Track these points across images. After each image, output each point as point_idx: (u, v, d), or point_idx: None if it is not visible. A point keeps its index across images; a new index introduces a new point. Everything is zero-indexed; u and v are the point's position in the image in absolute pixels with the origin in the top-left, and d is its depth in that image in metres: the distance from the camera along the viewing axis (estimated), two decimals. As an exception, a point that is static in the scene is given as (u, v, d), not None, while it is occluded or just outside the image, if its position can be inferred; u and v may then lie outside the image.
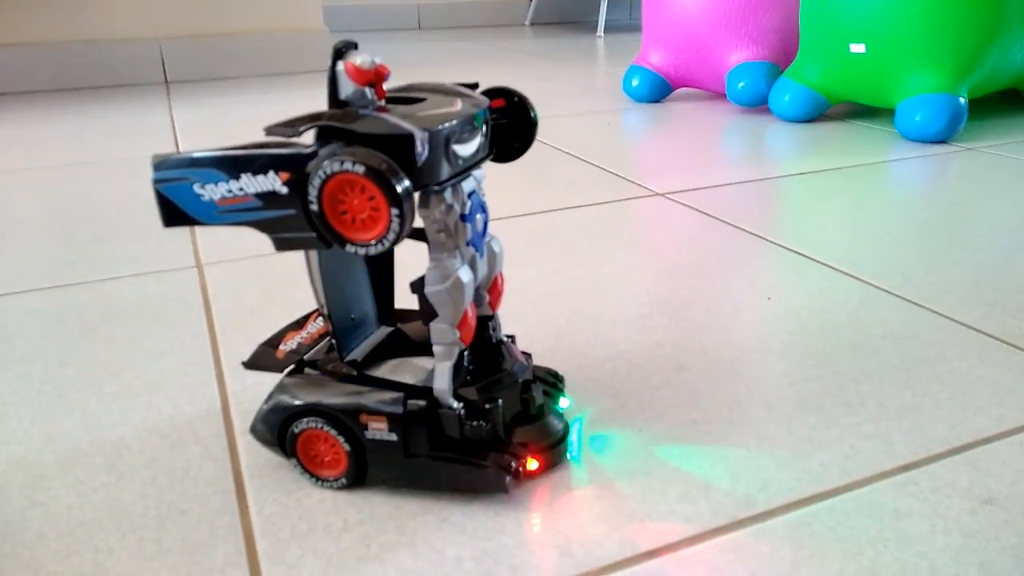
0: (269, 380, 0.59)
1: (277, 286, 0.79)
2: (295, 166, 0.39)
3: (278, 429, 0.48)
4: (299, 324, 0.54)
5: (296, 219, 0.40)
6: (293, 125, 0.40)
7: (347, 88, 0.42)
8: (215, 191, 0.41)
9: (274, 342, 0.52)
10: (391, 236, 0.38)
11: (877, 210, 0.97)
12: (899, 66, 1.29)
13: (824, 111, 1.44)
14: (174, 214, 0.43)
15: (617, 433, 0.52)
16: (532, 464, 0.47)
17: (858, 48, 1.31)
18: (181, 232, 0.95)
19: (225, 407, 0.58)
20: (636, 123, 1.52)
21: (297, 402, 0.47)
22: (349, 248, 0.39)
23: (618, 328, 0.67)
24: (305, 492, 0.48)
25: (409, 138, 0.39)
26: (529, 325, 0.69)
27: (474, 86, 0.47)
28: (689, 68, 1.60)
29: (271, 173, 0.40)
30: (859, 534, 0.43)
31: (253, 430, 0.49)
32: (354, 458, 0.46)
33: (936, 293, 0.72)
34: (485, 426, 0.46)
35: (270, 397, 0.48)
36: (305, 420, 0.46)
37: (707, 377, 0.59)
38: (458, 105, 0.44)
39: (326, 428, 0.46)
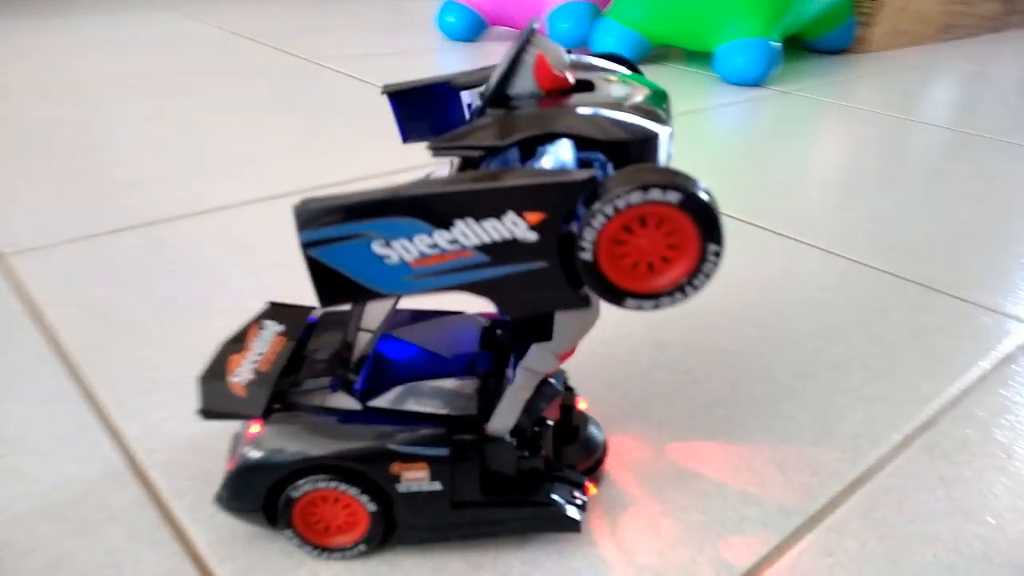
0: (186, 416, 0.46)
1: (121, 276, 0.62)
2: (556, 201, 0.27)
3: (265, 495, 0.36)
4: (239, 342, 0.40)
5: (543, 274, 0.29)
6: (483, 137, 0.30)
7: (524, 84, 0.32)
8: (409, 249, 0.28)
9: (217, 373, 0.38)
10: (699, 281, 0.28)
11: (735, 155, 0.98)
12: (718, 10, 1.32)
13: (647, 53, 1.45)
14: (338, 287, 0.29)
15: (633, 432, 0.46)
16: (592, 490, 0.40)
17: (680, -9, 1.32)
18: (-48, 216, 0.73)
19: (133, 462, 0.43)
20: (459, 64, 1.43)
21: (293, 457, 0.35)
22: (629, 304, 0.29)
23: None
24: (308, 569, 0.37)
25: (653, 139, 0.29)
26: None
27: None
28: (506, 6, 1.53)
29: (511, 214, 0.28)
30: (923, 507, 0.41)
31: (221, 500, 0.37)
32: (379, 517, 0.36)
33: (839, 238, 0.74)
34: (541, 456, 0.37)
35: (241, 453, 0.36)
36: (309, 480, 0.35)
37: (690, 353, 0.55)
38: (634, 86, 0.34)
39: (341, 487, 0.35)
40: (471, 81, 0.39)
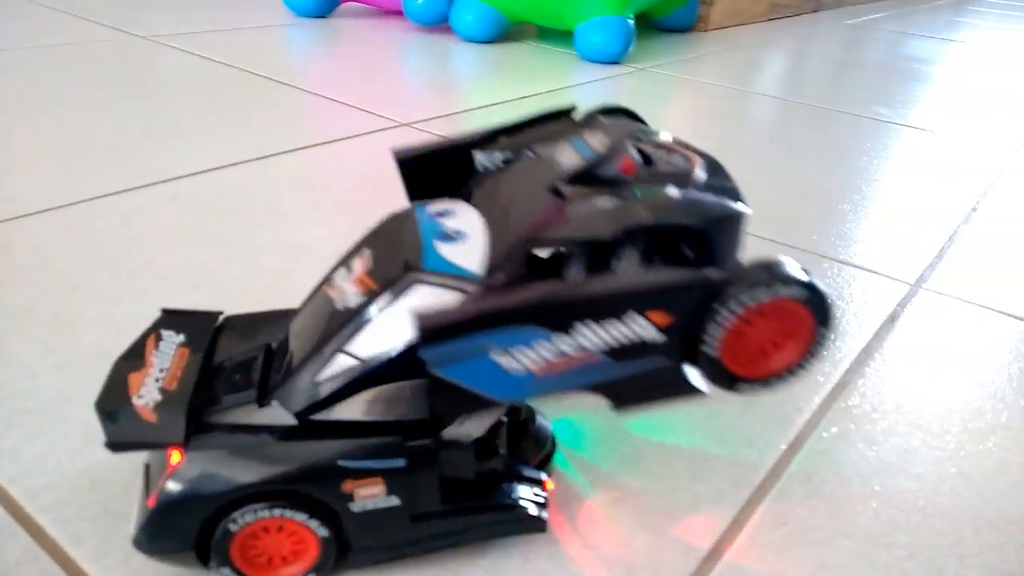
0: (68, 449, 0.40)
1: (-30, 296, 0.53)
2: (685, 302, 0.28)
3: (196, 531, 0.31)
4: (136, 358, 0.35)
5: (663, 371, 0.30)
6: (586, 228, 0.29)
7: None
8: (530, 356, 0.28)
9: (117, 396, 0.33)
10: (808, 363, 0.31)
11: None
12: (575, -12, 1.33)
13: (504, 31, 1.43)
14: (460, 401, 0.29)
15: (573, 415, 0.45)
16: (550, 485, 0.38)
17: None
18: None
19: (15, 509, 0.37)
20: (308, 40, 1.36)
21: (228, 485, 0.31)
22: (742, 388, 0.31)
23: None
24: (251, 608, 0.33)
25: (739, 217, 0.30)
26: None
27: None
28: (358, -19, 1.46)
29: (636, 315, 0.28)
30: (855, 468, 0.43)
31: (141, 543, 0.32)
32: (331, 542, 0.33)
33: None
34: (500, 455, 0.35)
35: (164, 487, 0.31)
36: (248, 509, 0.31)
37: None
38: (691, 156, 0.34)
39: (287, 513, 0.31)
40: (484, 141, 0.38)
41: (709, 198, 0.31)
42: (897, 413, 0.47)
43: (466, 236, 0.33)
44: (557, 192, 0.31)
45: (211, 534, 0.31)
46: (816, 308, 0.30)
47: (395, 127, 0.93)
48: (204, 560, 0.32)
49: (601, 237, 0.29)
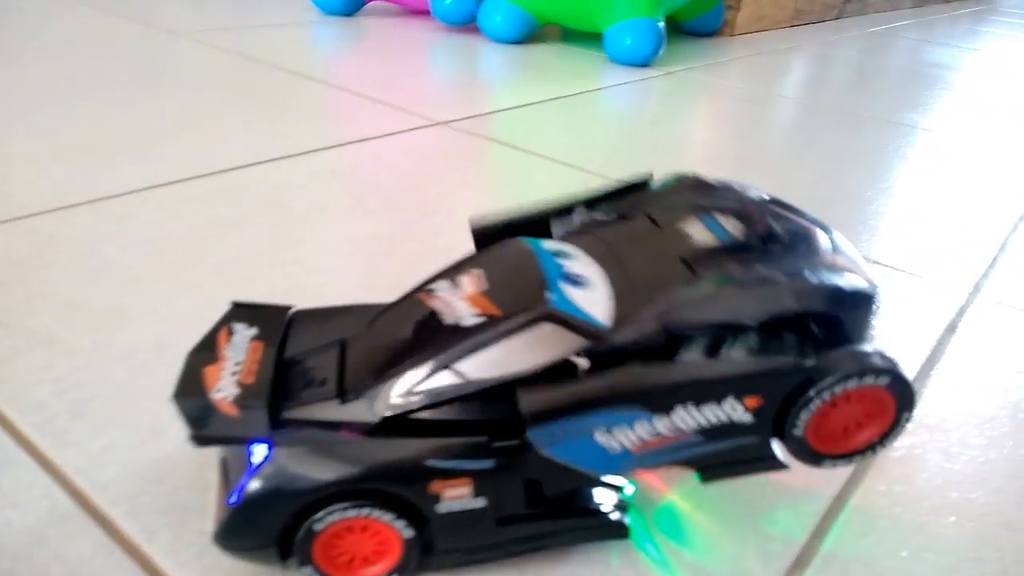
0: (134, 442, 0.39)
1: (4, 278, 0.52)
2: (776, 387, 0.30)
3: (279, 529, 0.31)
4: (209, 351, 0.34)
5: (751, 447, 0.32)
6: (722, 312, 0.31)
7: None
8: (630, 435, 0.30)
9: (194, 389, 0.32)
10: (889, 442, 0.33)
11: (642, 133, 0.99)
12: (606, -10, 1.32)
13: (533, 32, 1.43)
14: (563, 479, 0.31)
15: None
16: (631, 489, 0.37)
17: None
18: None
19: (84, 501, 0.36)
20: (336, 38, 1.35)
21: (315, 483, 0.30)
22: (826, 464, 0.33)
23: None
24: (333, 610, 0.32)
25: (874, 299, 0.32)
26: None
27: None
28: (387, -21, 1.46)
29: (731, 399, 0.30)
30: (930, 480, 0.42)
31: (223, 539, 0.31)
32: (415, 544, 0.32)
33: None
34: None
35: (248, 482, 0.30)
36: (336, 508, 0.30)
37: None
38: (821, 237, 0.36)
39: (374, 513, 0.31)
40: (562, 213, 0.39)
41: (847, 282, 0.32)
42: (969, 424, 0.46)
43: (589, 283, 0.33)
44: (689, 265, 0.32)
45: (294, 532, 0.31)
46: (899, 393, 0.32)
47: (431, 126, 0.92)
48: (284, 558, 0.31)
49: (746, 324, 0.30)
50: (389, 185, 0.74)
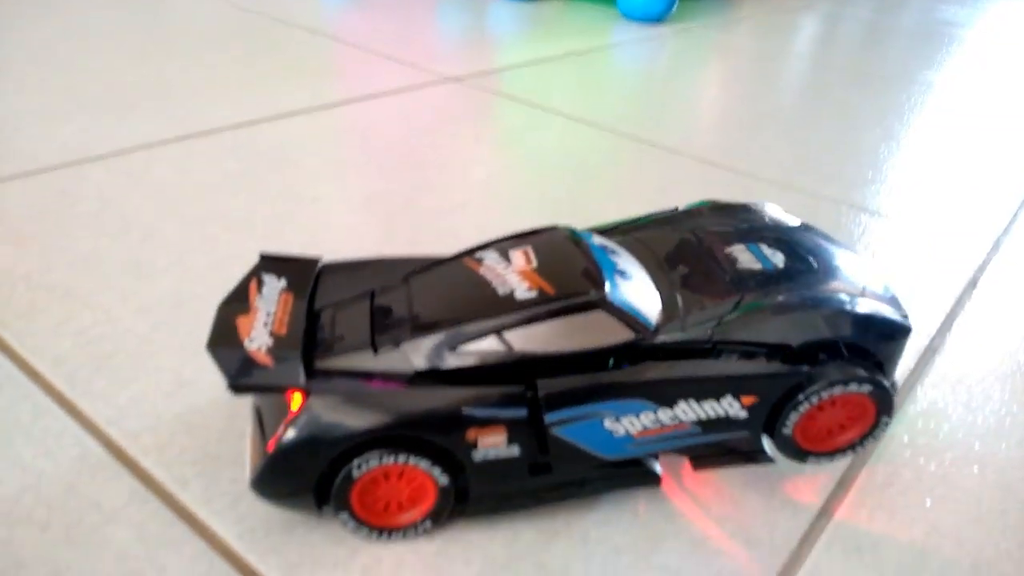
0: (162, 392, 0.39)
1: (25, 232, 0.52)
2: (770, 389, 0.33)
3: (316, 476, 0.31)
4: (241, 302, 0.34)
5: (742, 441, 0.35)
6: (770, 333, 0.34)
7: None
8: (634, 424, 0.32)
9: (228, 339, 0.32)
10: (869, 443, 0.37)
11: (666, 87, 0.97)
12: (618, -56, 1.29)
13: (543, -13, 1.40)
14: (569, 457, 0.33)
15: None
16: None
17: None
18: None
19: (117, 450, 0.36)
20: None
21: (353, 430, 0.30)
22: (810, 461, 0.36)
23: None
24: (367, 555, 0.32)
25: (906, 335, 0.35)
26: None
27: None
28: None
29: (729, 396, 0.33)
30: (953, 430, 0.42)
31: (261, 486, 0.31)
32: (449, 491, 0.32)
33: (758, 163, 0.75)
34: None
35: (287, 430, 0.30)
36: (373, 455, 0.30)
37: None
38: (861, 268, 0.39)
39: (411, 461, 0.31)
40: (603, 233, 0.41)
41: (881, 314, 0.35)
42: (992, 377, 0.47)
43: (635, 280, 0.34)
44: (737, 286, 0.35)
45: (331, 479, 0.31)
46: (880, 400, 0.34)
47: (442, 82, 0.91)
48: (320, 505, 0.32)
49: (790, 344, 0.33)
50: (403, 141, 0.73)
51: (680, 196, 0.67)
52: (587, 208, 0.63)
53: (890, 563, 0.34)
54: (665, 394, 0.32)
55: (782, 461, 0.37)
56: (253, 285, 0.35)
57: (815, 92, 1.03)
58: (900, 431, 0.42)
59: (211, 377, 0.41)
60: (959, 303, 0.54)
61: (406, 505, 0.32)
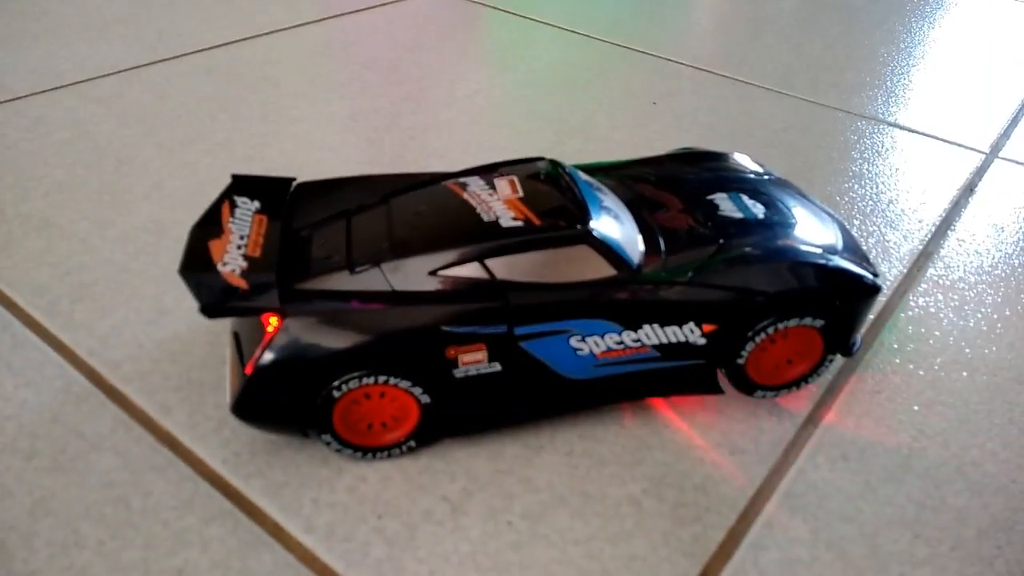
0: (142, 321, 0.39)
1: None
2: (730, 318, 0.33)
3: (297, 398, 0.31)
4: (213, 224, 0.33)
5: (698, 369, 0.34)
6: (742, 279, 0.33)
7: None
8: (599, 344, 0.32)
9: (201, 263, 0.31)
10: (813, 380, 0.36)
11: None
12: None
13: None
14: (532, 375, 0.32)
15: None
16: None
17: None
18: None
19: (99, 380, 0.36)
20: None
21: (331, 351, 0.30)
22: (757, 394, 0.36)
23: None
24: (352, 474, 0.32)
25: (873, 292, 0.35)
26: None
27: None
28: None
29: (691, 324, 0.32)
30: (943, 337, 0.42)
31: (241, 409, 0.31)
32: (432, 409, 0.32)
33: (782, 78, 0.72)
34: None
35: (265, 353, 0.30)
36: (353, 376, 0.30)
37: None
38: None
39: (392, 380, 0.31)
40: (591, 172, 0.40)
41: (853, 272, 0.34)
42: (985, 283, 0.46)
43: (620, 219, 0.34)
44: (717, 234, 0.35)
45: (312, 401, 0.31)
46: (828, 337, 0.34)
47: (427, -6, 0.88)
48: (303, 427, 0.32)
49: (766, 292, 0.33)
50: (386, 58, 0.71)
51: (675, 107, 0.65)
52: (578, 124, 0.61)
53: (876, 468, 0.34)
54: (632, 316, 0.32)
55: (730, 391, 0.37)
56: (226, 207, 0.34)
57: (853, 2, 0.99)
58: (891, 338, 0.41)
59: (192, 304, 0.40)
60: (955, 208, 0.53)
61: (390, 424, 0.32)
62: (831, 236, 0.36)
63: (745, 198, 0.37)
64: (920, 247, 0.49)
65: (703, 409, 0.36)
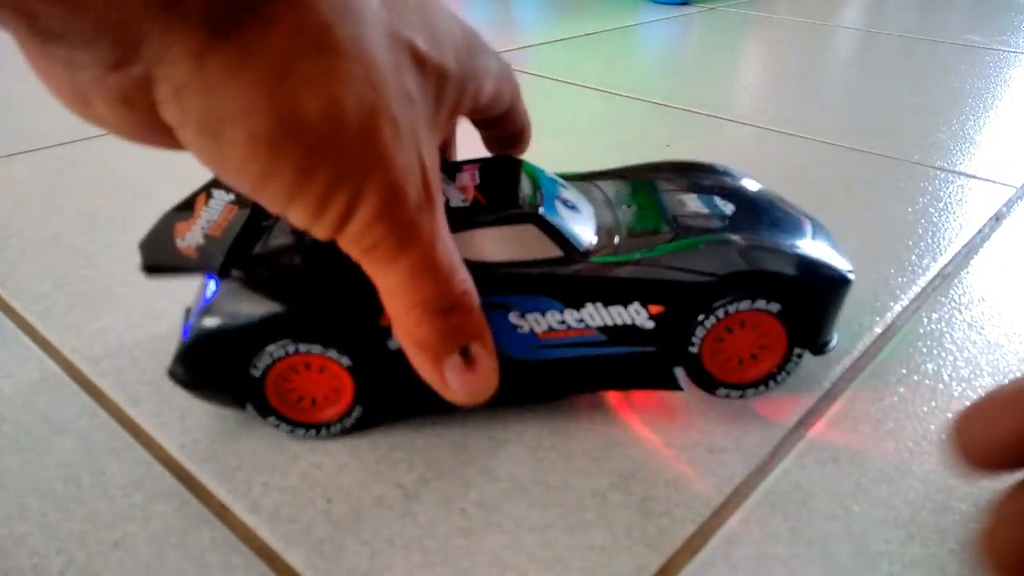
0: (130, 324, 0.39)
1: (26, 195, 0.54)
2: (679, 299, 0.31)
3: (229, 366, 0.30)
4: (186, 210, 0.34)
5: (649, 358, 0.32)
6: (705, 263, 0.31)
7: None
8: (540, 322, 0.31)
9: (162, 238, 0.32)
10: (781, 377, 0.33)
11: (688, 66, 0.95)
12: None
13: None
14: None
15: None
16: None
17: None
18: None
19: (76, 372, 0.36)
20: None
21: (257, 317, 0.29)
22: (719, 392, 0.33)
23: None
24: (307, 461, 0.31)
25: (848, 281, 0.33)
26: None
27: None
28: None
29: (636, 304, 0.31)
30: (955, 354, 0.39)
31: (176, 375, 0.31)
32: (365, 381, 0.31)
33: (804, 124, 0.72)
34: None
35: (197, 318, 0.30)
36: (282, 344, 0.30)
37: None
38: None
39: (319, 350, 0.30)
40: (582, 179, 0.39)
41: (822, 260, 0.32)
42: (1008, 301, 0.43)
43: (575, 209, 0.33)
44: (675, 225, 0.33)
45: (244, 369, 0.30)
46: (790, 325, 0.32)
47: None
48: (239, 399, 0.31)
49: (710, 274, 0.31)
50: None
51: (730, 162, 0.65)
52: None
53: (871, 471, 0.31)
54: (575, 294, 0.30)
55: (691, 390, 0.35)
56: (202, 197, 0.35)
57: (860, 59, 1.00)
58: (900, 350, 0.39)
59: (179, 308, 0.41)
60: (979, 234, 0.51)
61: (330, 398, 0.31)
62: (804, 233, 0.34)
63: (717, 199, 0.36)
64: (940, 267, 0.47)
65: (684, 411, 0.34)
